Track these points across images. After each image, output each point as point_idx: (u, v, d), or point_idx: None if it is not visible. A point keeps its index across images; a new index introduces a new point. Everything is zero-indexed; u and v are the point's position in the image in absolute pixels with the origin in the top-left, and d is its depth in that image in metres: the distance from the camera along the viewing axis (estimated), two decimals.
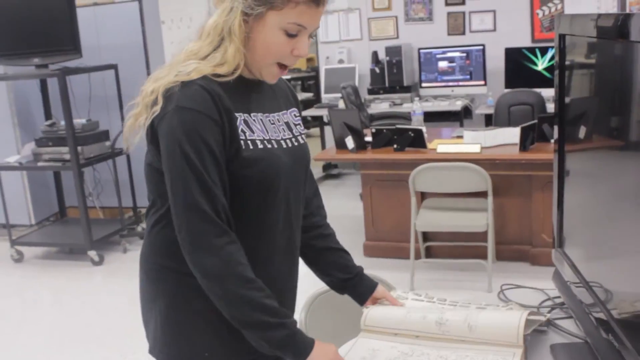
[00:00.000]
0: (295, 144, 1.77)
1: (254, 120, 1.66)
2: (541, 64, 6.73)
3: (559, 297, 1.92)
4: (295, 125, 1.82)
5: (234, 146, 1.60)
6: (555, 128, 1.86)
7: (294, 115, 1.84)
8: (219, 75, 1.60)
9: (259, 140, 1.65)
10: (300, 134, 1.82)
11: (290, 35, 1.60)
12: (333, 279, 1.93)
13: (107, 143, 5.95)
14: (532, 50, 6.78)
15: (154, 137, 1.61)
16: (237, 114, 1.62)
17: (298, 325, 1.64)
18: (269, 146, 1.66)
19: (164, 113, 1.56)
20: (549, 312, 1.88)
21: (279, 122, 1.76)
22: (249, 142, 1.62)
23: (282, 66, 1.66)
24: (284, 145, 1.72)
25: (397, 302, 1.89)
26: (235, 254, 1.57)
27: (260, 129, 1.67)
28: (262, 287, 1.59)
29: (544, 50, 6.72)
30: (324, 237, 1.95)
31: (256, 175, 1.63)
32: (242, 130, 1.62)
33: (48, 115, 6.43)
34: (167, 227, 1.65)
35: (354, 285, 1.93)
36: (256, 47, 1.61)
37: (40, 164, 5.91)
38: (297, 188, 1.78)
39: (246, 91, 1.68)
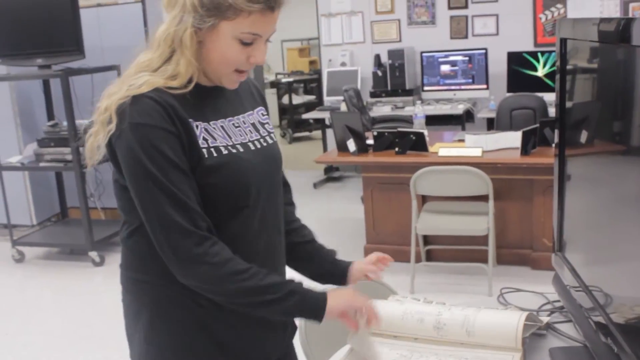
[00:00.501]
0: (264, 144, 1.74)
1: (214, 128, 1.62)
2: (541, 70, 6.72)
3: (558, 301, 1.91)
4: (263, 124, 1.78)
5: (195, 155, 1.57)
6: (556, 132, 1.85)
7: (261, 114, 1.80)
8: (173, 88, 1.56)
9: (222, 146, 1.61)
10: (269, 134, 1.78)
11: (246, 44, 1.56)
12: (309, 273, 1.92)
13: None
14: (533, 54, 6.77)
15: (113, 155, 1.58)
16: (196, 122, 1.59)
17: (297, 321, 1.64)
18: (234, 151, 1.63)
19: (119, 131, 1.53)
20: (549, 315, 1.87)
21: (244, 124, 1.72)
22: (212, 149, 1.59)
23: (241, 71, 1.63)
24: (252, 147, 1.69)
25: (376, 266, 1.89)
26: (221, 253, 1.56)
27: (222, 136, 1.63)
28: (257, 271, 1.58)
29: (545, 55, 6.72)
30: (290, 233, 1.90)
31: (223, 182, 1.60)
32: (204, 139, 1.59)
33: (50, 115, 6.43)
34: (139, 242, 1.63)
35: (330, 276, 1.90)
36: (211, 57, 1.57)
37: (42, 164, 5.91)
38: (270, 189, 1.74)
39: (204, 99, 1.64)
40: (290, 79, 11.49)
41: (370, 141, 5.23)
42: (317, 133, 10.11)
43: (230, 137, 1.65)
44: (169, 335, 1.68)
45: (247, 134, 1.70)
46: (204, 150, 1.57)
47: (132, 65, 1.61)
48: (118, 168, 1.58)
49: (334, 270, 1.90)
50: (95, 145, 1.58)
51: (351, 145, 5.15)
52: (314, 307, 1.61)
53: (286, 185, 1.94)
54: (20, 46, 5.77)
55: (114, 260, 5.78)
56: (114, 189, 1.65)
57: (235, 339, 1.67)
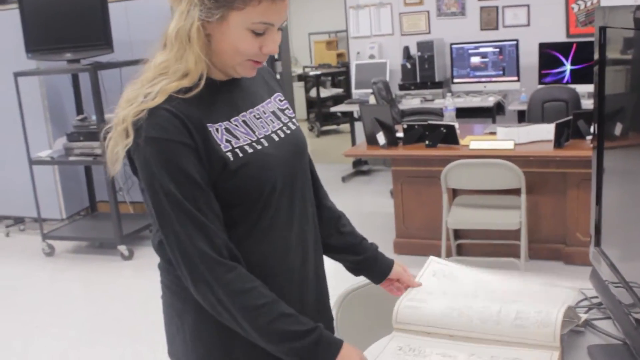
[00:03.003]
0: (287, 132, 1.69)
1: (236, 125, 1.59)
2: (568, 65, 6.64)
3: (596, 297, 1.87)
4: (283, 111, 1.74)
5: (218, 162, 1.52)
6: (594, 124, 1.80)
7: (279, 100, 1.76)
8: (188, 89, 1.51)
9: (247, 144, 1.57)
10: (290, 119, 1.73)
11: (257, 34, 1.50)
12: (345, 263, 1.91)
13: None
14: (562, 49, 6.68)
15: (134, 166, 1.55)
16: (216, 125, 1.55)
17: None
18: (259, 147, 1.59)
19: (136, 145, 1.49)
20: (586, 312, 1.83)
21: (264, 113, 1.67)
22: (237, 150, 1.55)
23: (256, 61, 1.58)
24: (276, 138, 1.64)
25: (413, 283, 1.86)
26: (234, 282, 1.50)
27: (246, 132, 1.59)
28: (271, 310, 1.52)
29: (576, 48, 6.61)
30: (327, 222, 1.88)
31: (249, 181, 1.55)
32: (227, 140, 1.55)
33: (79, 110, 6.47)
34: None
35: (366, 268, 1.90)
36: (222, 50, 1.53)
37: (71, 158, 5.96)
38: (296, 178, 1.70)
39: (222, 95, 1.60)
40: (318, 72, 11.45)
41: (400, 134, 5.19)
42: (345, 126, 10.08)
43: (254, 132, 1.61)
44: (215, 336, 1.65)
45: (269, 124, 1.66)
46: (229, 154, 1.53)
47: (149, 66, 1.57)
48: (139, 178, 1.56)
49: (372, 266, 1.90)
50: (114, 152, 1.54)
51: (381, 138, 5.11)
52: None
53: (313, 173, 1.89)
54: (49, 41, 5.80)
55: (143, 254, 5.86)
56: (143, 197, 1.60)
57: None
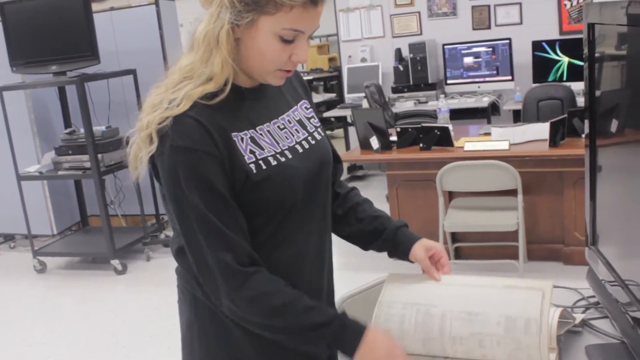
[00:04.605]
0: (312, 142, 1.66)
1: (261, 134, 1.56)
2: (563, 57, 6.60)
3: (593, 296, 1.88)
4: (309, 119, 1.70)
5: (241, 173, 1.50)
6: (586, 122, 1.81)
7: (305, 108, 1.72)
8: (213, 95, 1.49)
9: (271, 156, 1.54)
10: (316, 129, 1.70)
11: (287, 41, 1.47)
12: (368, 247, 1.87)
13: (128, 150, 5.89)
14: (552, 45, 6.62)
15: (157, 172, 1.52)
16: (241, 134, 1.52)
17: None
18: (283, 159, 1.56)
19: (160, 152, 1.47)
20: (584, 312, 1.85)
21: (290, 123, 1.64)
22: (260, 162, 1.52)
23: (285, 70, 1.54)
24: (300, 150, 1.61)
25: (432, 275, 1.78)
26: (257, 287, 1.50)
27: (270, 143, 1.56)
28: (295, 310, 1.51)
29: (564, 45, 6.57)
30: (343, 203, 1.83)
31: (270, 194, 1.53)
32: (251, 151, 1.52)
33: (67, 123, 6.41)
34: (187, 259, 1.58)
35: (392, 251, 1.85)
36: (250, 55, 1.49)
37: (60, 172, 5.88)
38: (320, 190, 1.67)
39: (247, 103, 1.57)
40: (310, 77, 11.36)
41: (393, 138, 5.15)
42: (339, 132, 10.02)
43: (277, 143, 1.58)
44: (222, 347, 1.65)
45: (293, 135, 1.63)
46: (252, 166, 1.51)
47: (174, 69, 1.54)
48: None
49: (394, 250, 1.84)
50: (137, 157, 1.52)
51: (374, 142, 5.06)
52: (347, 349, 1.54)
53: (339, 169, 1.85)
54: (34, 53, 5.74)
55: (136, 268, 5.79)
56: (163, 203, 1.59)
57: (281, 355, 1.64)
